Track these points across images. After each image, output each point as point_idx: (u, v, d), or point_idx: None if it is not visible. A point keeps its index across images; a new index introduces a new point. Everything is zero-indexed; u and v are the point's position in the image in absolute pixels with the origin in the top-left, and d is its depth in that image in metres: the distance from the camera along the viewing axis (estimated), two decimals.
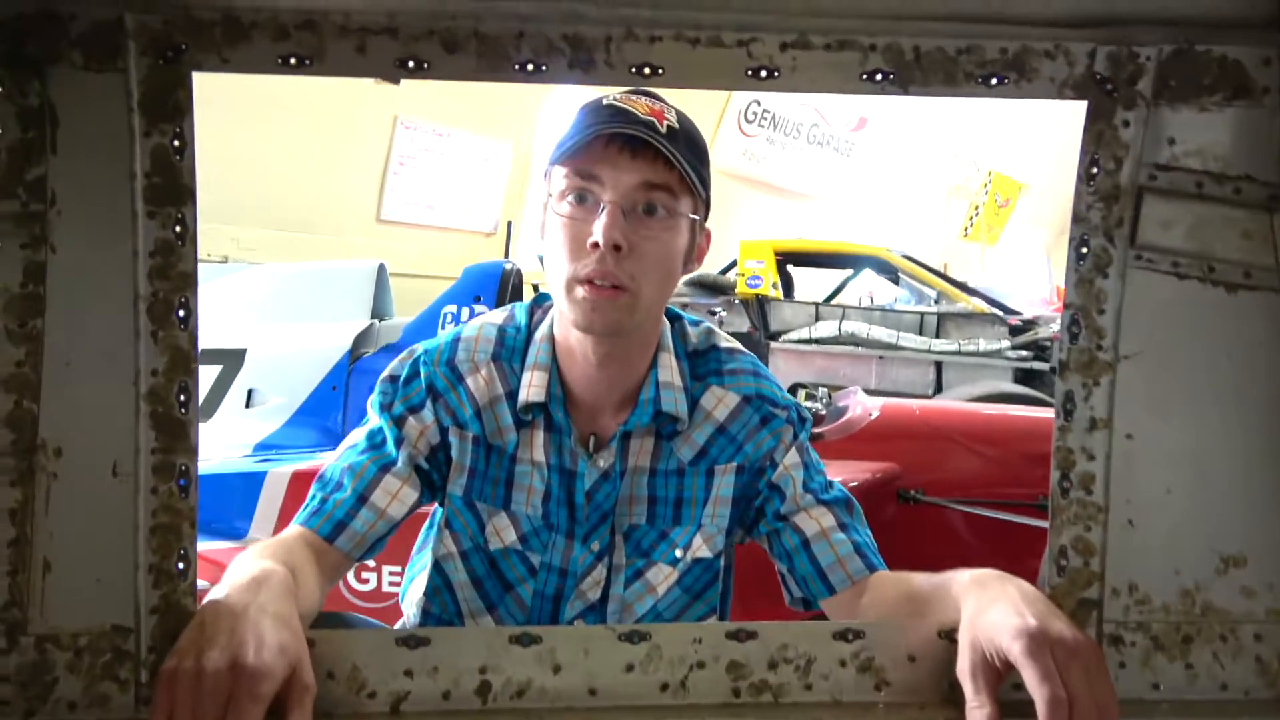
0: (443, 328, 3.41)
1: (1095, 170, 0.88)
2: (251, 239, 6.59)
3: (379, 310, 3.54)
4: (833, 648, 0.91)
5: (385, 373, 1.27)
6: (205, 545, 2.66)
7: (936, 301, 6.68)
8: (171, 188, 0.85)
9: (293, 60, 0.84)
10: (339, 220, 7.55)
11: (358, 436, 1.25)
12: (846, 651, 0.91)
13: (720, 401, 1.28)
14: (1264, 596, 0.93)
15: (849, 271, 7.65)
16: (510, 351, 1.26)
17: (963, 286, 6.96)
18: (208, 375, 3.35)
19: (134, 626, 0.85)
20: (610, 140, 1.11)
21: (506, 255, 8.60)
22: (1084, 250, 0.90)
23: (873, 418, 3.08)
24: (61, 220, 0.84)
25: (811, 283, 8.35)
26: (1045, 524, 2.76)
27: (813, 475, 1.29)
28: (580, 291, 1.12)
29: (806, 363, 6.15)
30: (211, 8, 0.83)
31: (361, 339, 3.40)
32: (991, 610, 0.88)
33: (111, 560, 0.85)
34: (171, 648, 0.80)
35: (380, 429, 1.24)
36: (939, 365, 6.07)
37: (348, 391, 3.31)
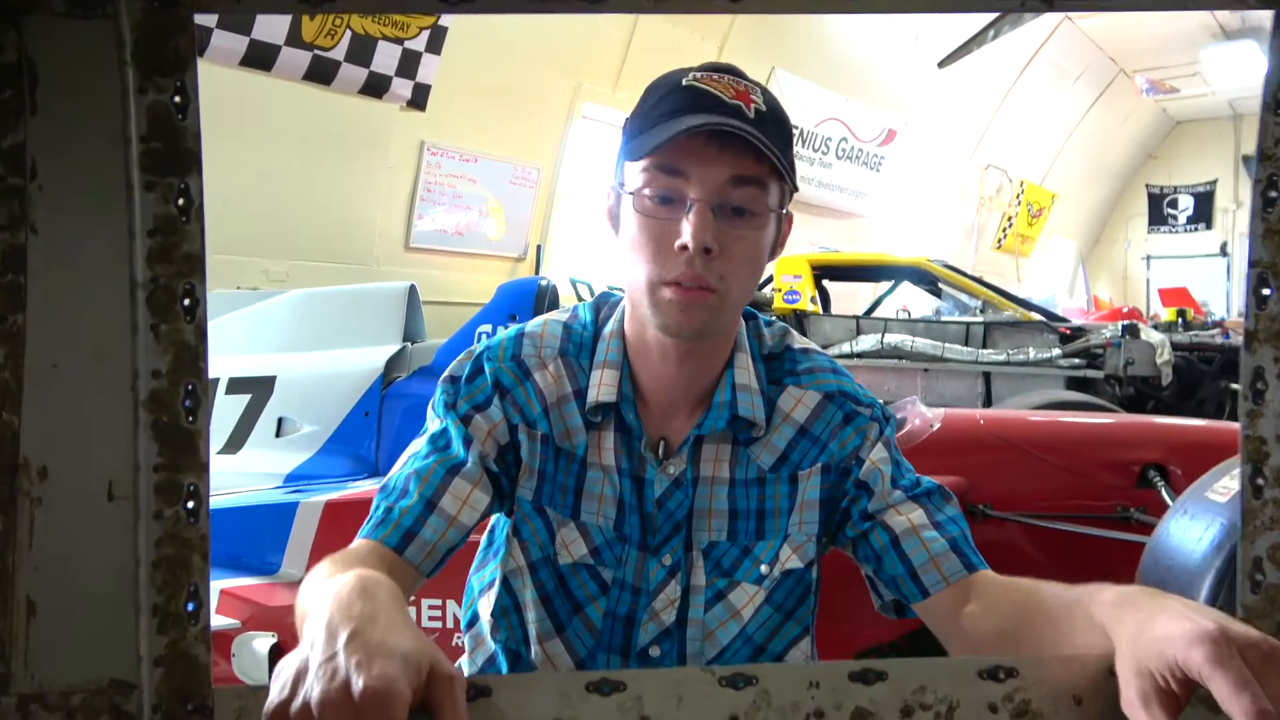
0: None
1: None
2: (281, 270, 6.54)
3: (411, 333, 3.42)
4: (980, 689, 0.75)
5: (445, 375, 1.18)
6: (236, 581, 2.54)
7: (982, 311, 6.48)
8: (173, 153, 0.71)
9: None
10: (368, 249, 7.49)
11: (419, 444, 1.15)
12: (998, 693, 0.75)
13: (800, 401, 1.18)
14: None
15: (887, 285, 7.46)
16: (578, 348, 1.18)
17: (1007, 295, 6.75)
18: (236, 405, 3.24)
19: (136, 681, 0.70)
20: (696, 131, 1.00)
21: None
22: (1272, 194, 0.74)
23: (934, 429, 2.90)
24: (44, 196, 0.70)
25: (848, 297, 8.17)
26: (1126, 536, 2.56)
27: (903, 472, 1.17)
28: (667, 293, 1.04)
29: None
30: None
31: (394, 363, 3.27)
32: (1154, 625, 0.73)
33: (108, 601, 0.70)
34: (272, 688, 0.67)
35: (444, 431, 1.15)
36: (988, 376, 5.86)
37: (381, 417, 3.18)
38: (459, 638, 2.43)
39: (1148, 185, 17.83)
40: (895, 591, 1.12)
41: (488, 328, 3.27)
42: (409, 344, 3.35)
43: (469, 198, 8.15)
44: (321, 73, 6.47)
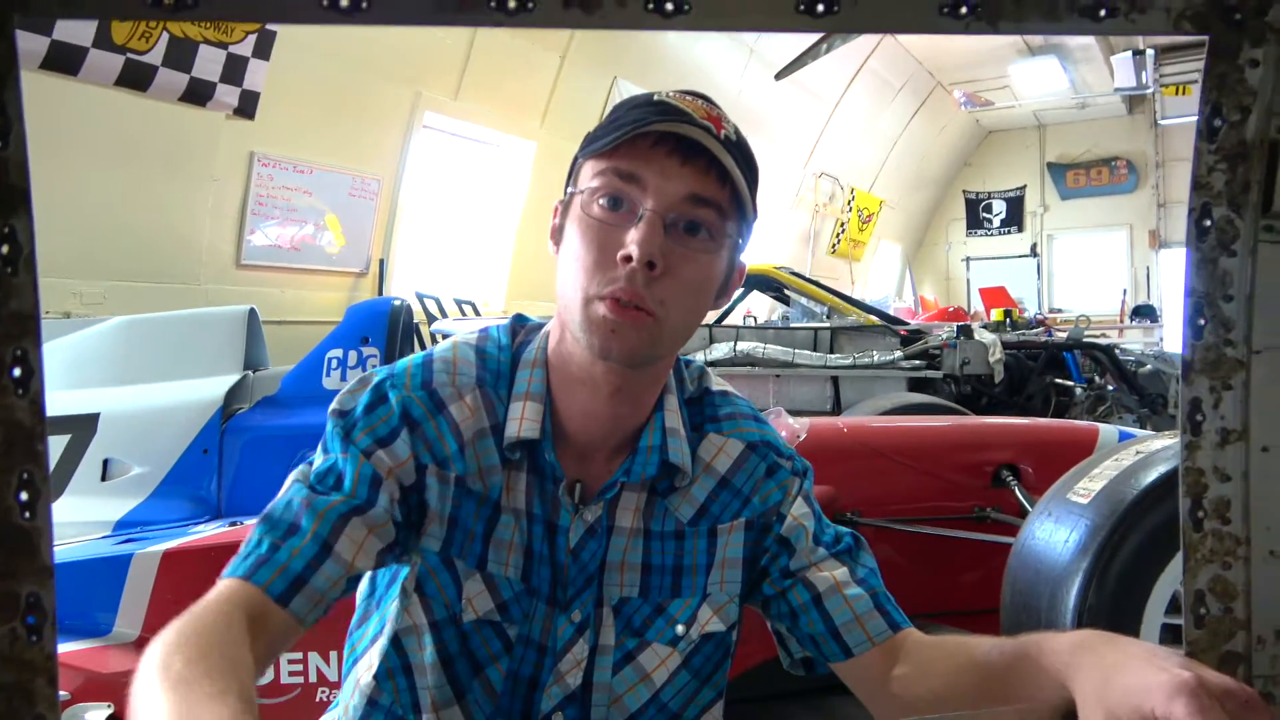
0: (328, 375, 3.08)
1: (1218, 123, 0.71)
2: (96, 293, 6.01)
3: (253, 361, 3.18)
4: None
5: (333, 407, 1.03)
6: (62, 647, 2.27)
7: (828, 316, 6.68)
8: None
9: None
10: (193, 267, 7.00)
11: (303, 473, 1.00)
12: None
13: (721, 450, 1.10)
14: None
15: (739, 291, 7.59)
16: (495, 377, 1.05)
17: (851, 300, 6.98)
18: (55, 446, 2.92)
19: None
20: (659, 140, 0.93)
21: (380, 294, 8.22)
22: (1205, 223, 0.73)
23: (801, 439, 2.92)
24: None
25: None
26: (986, 537, 2.64)
27: (823, 527, 1.12)
28: (600, 309, 0.94)
29: None
30: None
31: (234, 394, 3.03)
32: (1122, 674, 0.72)
33: None
34: None
35: (336, 469, 0.99)
36: (836, 380, 6.03)
37: (222, 454, 2.94)
38: (323, 692, 2.25)
39: (964, 191, 18.93)
40: (813, 650, 1.07)
41: (338, 352, 3.08)
42: (251, 373, 3.11)
43: (304, 211, 7.76)
44: (136, 78, 5.99)
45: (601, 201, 0.95)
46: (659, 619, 1.07)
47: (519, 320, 1.13)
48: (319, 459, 1.02)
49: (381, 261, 8.34)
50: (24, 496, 0.58)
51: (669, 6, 0.63)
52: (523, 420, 1.02)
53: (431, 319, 6.70)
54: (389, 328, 3.11)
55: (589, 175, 0.98)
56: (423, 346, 5.43)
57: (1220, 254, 0.73)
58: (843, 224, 16.01)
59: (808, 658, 1.10)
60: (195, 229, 6.97)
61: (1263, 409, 0.75)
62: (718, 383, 1.16)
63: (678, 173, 0.94)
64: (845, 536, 1.12)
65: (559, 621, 1.05)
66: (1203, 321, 0.74)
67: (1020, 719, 0.74)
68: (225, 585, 0.91)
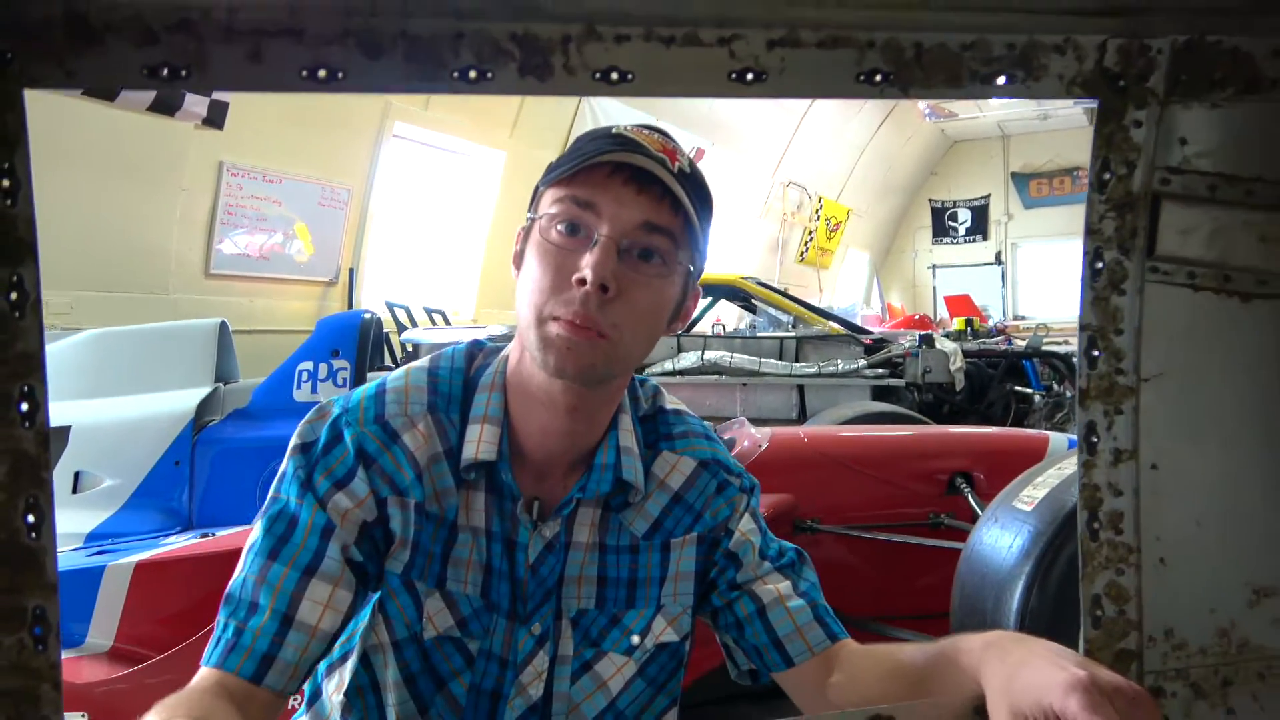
0: (298, 387, 3.13)
1: (1107, 176, 0.80)
2: (64, 303, 5.99)
3: (224, 373, 3.22)
4: None
5: (294, 442, 1.06)
6: None
7: (793, 326, 6.78)
8: (1, 243, 0.64)
9: (164, 71, 0.65)
10: (162, 277, 6.99)
11: (257, 533, 1.03)
12: None
13: (674, 468, 1.15)
14: None
15: (706, 301, 7.68)
16: (446, 400, 1.08)
17: (816, 309, 7.10)
18: None
19: None
20: (615, 170, 0.98)
21: (350, 304, 8.23)
22: (1098, 265, 0.81)
23: (763, 449, 3.00)
24: None
25: None
26: (939, 543, 2.72)
27: (768, 542, 1.18)
28: (554, 329, 0.97)
29: (672, 395, 6.08)
30: (47, 4, 0.63)
31: (205, 406, 3.08)
32: (1026, 672, 0.79)
33: None
34: None
35: (289, 516, 1.02)
36: (801, 388, 6.13)
37: (193, 466, 2.98)
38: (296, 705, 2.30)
39: (930, 200, 19.22)
40: (757, 661, 1.13)
41: (309, 365, 3.13)
42: (222, 385, 3.15)
43: (273, 220, 7.76)
44: (103, 89, 6.01)
45: (559, 227, 0.99)
46: (614, 629, 1.11)
47: (475, 345, 1.16)
48: (272, 500, 1.04)
49: (351, 271, 8.36)
50: (30, 519, 0.64)
51: (614, 76, 0.71)
52: (480, 442, 1.05)
53: (401, 328, 6.73)
54: (359, 340, 3.16)
55: (549, 202, 1.01)
56: (394, 358, 5.46)
57: (1111, 292, 0.82)
58: (810, 232, 16.17)
59: (753, 669, 1.16)
60: (164, 238, 6.96)
61: (1151, 431, 0.83)
62: (671, 401, 1.22)
63: (632, 201, 0.98)
64: (789, 551, 1.18)
65: (519, 635, 1.08)
66: (1097, 353, 0.82)
67: (937, 712, 0.82)
68: (203, 675, 0.95)
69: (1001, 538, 2.12)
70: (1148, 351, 0.83)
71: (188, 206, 7.07)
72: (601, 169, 0.99)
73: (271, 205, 7.72)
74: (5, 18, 0.62)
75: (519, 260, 1.06)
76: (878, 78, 0.74)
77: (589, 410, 1.07)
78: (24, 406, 0.64)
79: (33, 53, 0.63)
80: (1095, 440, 0.83)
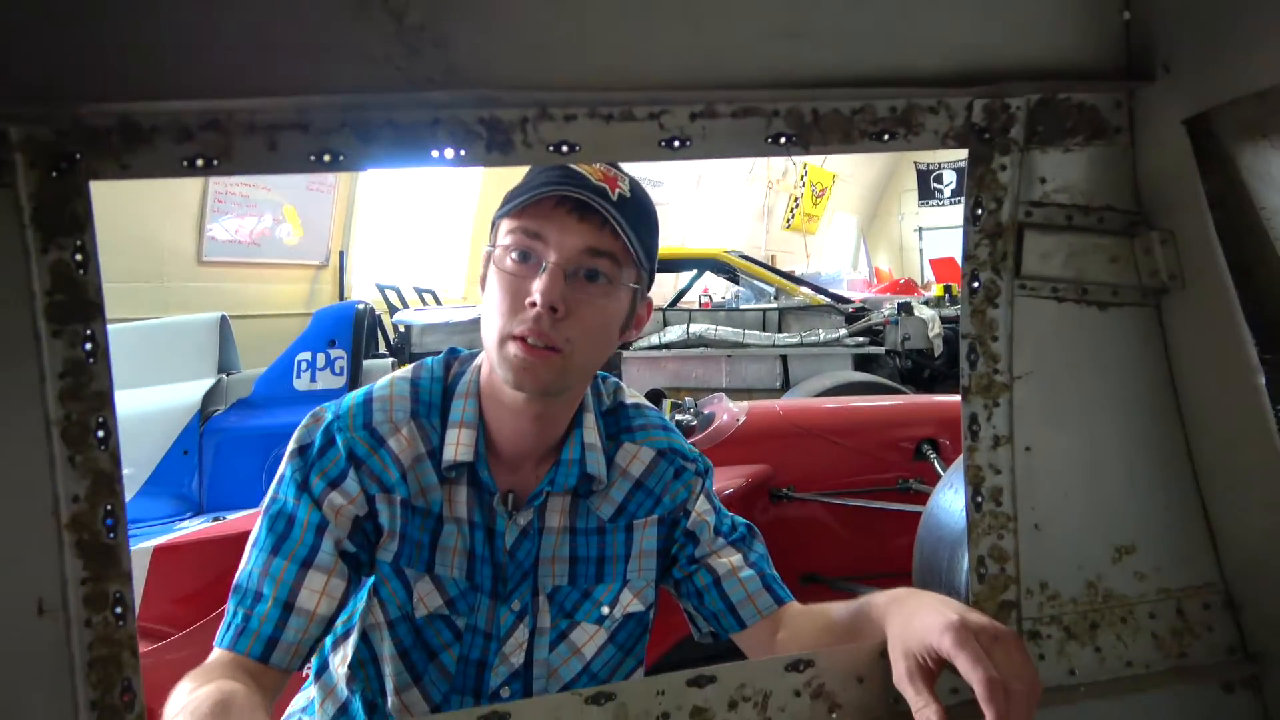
0: (298, 377, 3.29)
1: (980, 211, 0.96)
2: None
3: (226, 364, 3.38)
4: (786, 680, 0.96)
5: (291, 446, 1.20)
6: None
7: (776, 297, 6.94)
8: (76, 304, 0.80)
9: (199, 162, 0.81)
10: (156, 266, 7.11)
11: (258, 529, 1.18)
12: (799, 681, 0.96)
13: (635, 457, 1.30)
14: (1153, 578, 1.04)
15: (691, 275, 7.83)
16: (427, 407, 1.22)
17: (797, 279, 7.25)
18: None
19: None
20: (560, 202, 1.11)
21: (341, 287, 8.35)
22: (975, 285, 0.98)
23: (740, 422, 3.18)
24: None
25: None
26: (906, 507, 2.89)
27: (722, 519, 1.34)
28: (512, 348, 1.11)
29: (658, 368, 6.26)
30: (106, 113, 0.79)
31: (210, 397, 3.24)
32: (915, 618, 0.95)
33: (46, 705, 0.80)
34: None
35: (287, 514, 1.17)
36: (785, 359, 6.30)
37: (201, 454, 3.15)
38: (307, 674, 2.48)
39: (915, 163, 19.31)
40: (715, 624, 1.29)
41: (307, 355, 3.28)
42: (225, 376, 3.32)
43: (262, 204, 7.87)
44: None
45: (513, 256, 1.12)
46: (586, 602, 1.25)
47: (452, 353, 1.30)
48: (272, 500, 1.18)
49: (341, 253, 8.47)
50: (109, 522, 0.81)
51: (564, 148, 0.87)
52: (458, 445, 1.19)
53: (393, 309, 6.88)
54: (354, 330, 3.31)
55: (504, 233, 1.14)
56: (387, 342, 5.61)
57: (988, 306, 0.98)
58: (796, 199, 16.29)
59: (713, 631, 1.32)
60: (156, 228, 7.08)
61: (1023, 419, 1.00)
62: (631, 395, 1.37)
63: (576, 229, 1.10)
64: (740, 526, 1.34)
65: (501, 611, 1.22)
66: (976, 356, 0.99)
67: (850, 656, 0.98)
68: (217, 655, 1.09)
69: (956, 501, 2.29)
70: (1019, 354, 0.99)
71: (178, 196, 7.17)
72: (548, 200, 1.12)
73: (260, 191, 7.83)
74: (74, 128, 0.78)
75: (484, 282, 1.19)
76: (783, 139, 0.90)
77: (552, 415, 1.21)
78: (100, 434, 0.81)
79: (95, 153, 0.79)
80: (977, 429, 1.00)
